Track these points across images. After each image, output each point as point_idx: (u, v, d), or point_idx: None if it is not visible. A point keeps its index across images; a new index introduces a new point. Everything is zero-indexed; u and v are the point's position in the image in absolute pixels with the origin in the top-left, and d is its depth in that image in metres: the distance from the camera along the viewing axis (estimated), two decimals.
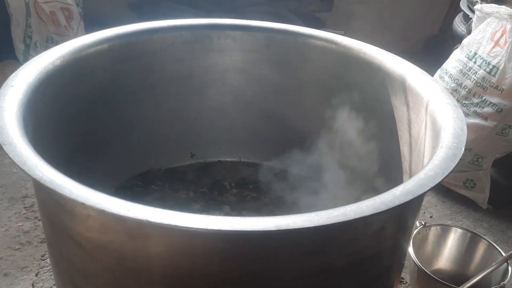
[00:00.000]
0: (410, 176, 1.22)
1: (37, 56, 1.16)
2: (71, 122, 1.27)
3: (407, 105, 1.25)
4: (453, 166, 0.91)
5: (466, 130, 1.02)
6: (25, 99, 1.02)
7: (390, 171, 1.31)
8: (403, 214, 0.95)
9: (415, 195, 0.83)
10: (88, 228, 0.86)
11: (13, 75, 1.07)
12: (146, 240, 0.82)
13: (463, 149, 0.96)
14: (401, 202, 0.81)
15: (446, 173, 0.89)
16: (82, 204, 0.75)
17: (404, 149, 1.27)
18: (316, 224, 0.76)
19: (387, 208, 0.80)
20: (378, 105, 1.35)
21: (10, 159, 1.87)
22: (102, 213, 0.75)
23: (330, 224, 0.77)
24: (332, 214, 0.78)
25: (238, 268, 0.85)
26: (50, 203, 0.92)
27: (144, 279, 0.87)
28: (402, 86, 1.27)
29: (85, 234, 0.87)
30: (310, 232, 0.77)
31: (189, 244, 0.82)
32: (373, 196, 0.84)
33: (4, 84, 1.03)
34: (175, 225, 0.74)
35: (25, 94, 1.03)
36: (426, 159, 1.11)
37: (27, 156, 0.84)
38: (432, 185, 0.86)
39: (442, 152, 0.95)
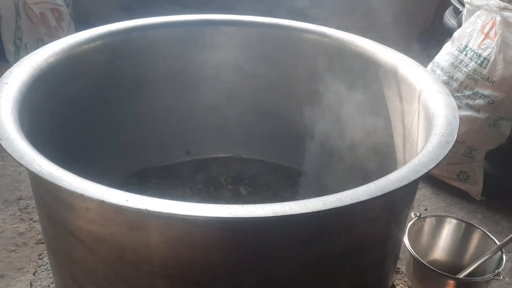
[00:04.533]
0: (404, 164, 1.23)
1: (31, 54, 1.16)
2: (65, 119, 1.27)
3: (400, 96, 1.26)
4: (446, 152, 0.92)
5: (458, 118, 1.03)
6: (20, 96, 1.03)
7: (384, 161, 1.32)
8: (399, 200, 0.96)
9: (410, 181, 0.84)
10: (87, 222, 0.86)
11: (7, 72, 1.08)
12: (146, 231, 0.83)
13: (455, 135, 0.98)
14: (396, 187, 0.83)
15: (440, 159, 0.90)
16: (82, 195, 0.75)
17: (398, 139, 1.28)
18: (313, 210, 0.77)
19: (382, 193, 0.81)
20: (371, 96, 1.36)
21: (3, 159, 1.84)
22: (101, 204, 0.75)
23: (326, 209, 0.78)
24: (328, 200, 0.79)
25: (237, 256, 0.85)
26: (49, 198, 0.92)
27: (144, 270, 0.87)
28: (395, 77, 1.28)
29: (85, 227, 0.87)
30: (307, 218, 0.78)
31: (188, 234, 0.82)
32: None
33: None
34: (174, 214, 0.74)
35: (19, 91, 1.04)
36: (419, 148, 1.12)
37: (24, 151, 0.84)
38: (426, 170, 0.87)
39: (435, 139, 0.96)
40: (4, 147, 0.85)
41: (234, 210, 0.75)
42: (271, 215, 0.74)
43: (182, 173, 1.64)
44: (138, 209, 0.75)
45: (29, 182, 1.87)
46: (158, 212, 0.75)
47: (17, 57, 2.31)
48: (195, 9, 2.51)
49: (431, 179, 2.00)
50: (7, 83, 1.04)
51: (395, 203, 0.96)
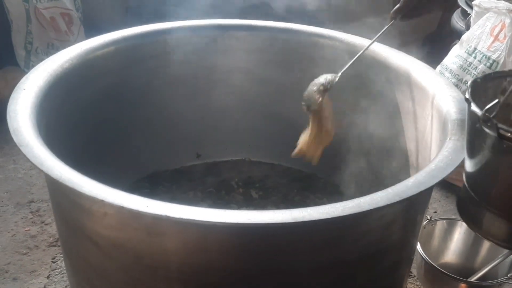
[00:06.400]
0: (417, 169, 1.23)
1: (47, 59, 1.18)
2: (79, 123, 1.28)
3: (413, 100, 1.27)
4: (463, 157, 0.93)
5: None
6: (37, 101, 1.04)
7: (396, 164, 1.32)
8: (415, 205, 0.97)
9: (427, 186, 0.85)
10: (105, 227, 0.87)
11: (23, 78, 1.09)
12: (163, 237, 0.83)
13: None
14: (414, 193, 0.83)
15: (456, 164, 0.91)
16: (102, 201, 0.76)
17: (411, 143, 1.29)
18: (332, 216, 0.77)
19: (400, 199, 0.81)
20: (383, 100, 1.36)
21: (14, 162, 1.85)
22: (121, 209, 0.76)
23: (345, 215, 0.78)
24: (347, 205, 0.79)
25: (254, 262, 0.86)
26: (67, 203, 0.93)
27: (161, 276, 0.88)
28: (407, 81, 1.28)
29: (103, 232, 0.88)
30: (325, 224, 0.78)
31: (206, 239, 0.83)
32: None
33: (16, 88, 1.05)
34: (194, 219, 0.75)
35: (36, 97, 1.05)
36: (433, 152, 1.13)
37: (44, 157, 0.85)
38: (442, 176, 0.88)
39: (450, 144, 0.97)
40: (25, 153, 0.86)
41: (253, 216, 0.75)
42: (291, 221, 0.75)
43: (193, 176, 1.65)
44: (158, 215, 0.76)
45: (41, 185, 1.89)
46: (178, 218, 0.75)
47: (28, 62, 2.32)
48: (204, 13, 2.52)
49: (440, 181, 2.00)
50: (24, 89, 1.05)
51: (411, 208, 0.96)
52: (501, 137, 0.78)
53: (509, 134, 0.78)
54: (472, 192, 0.90)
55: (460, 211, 0.99)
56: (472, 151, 0.88)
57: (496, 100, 0.82)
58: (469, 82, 0.92)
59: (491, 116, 0.80)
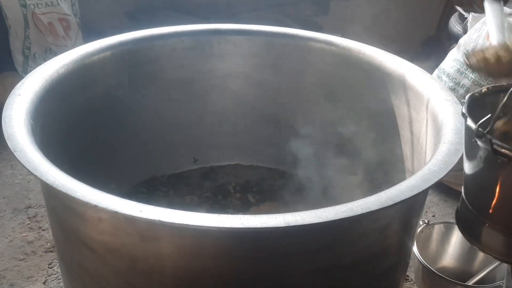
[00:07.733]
0: (413, 173, 1.23)
1: (42, 65, 1.18)
2: (75, 129, 1.28)
3: (408, 104, 1.27)
4: (456, 160, 0.93)
5: None
6: (32, 107, 1.04)
7: (393, 169, 1.32)
8: (409, 209, 0.97)
9: (420, 190, 0.85)
10: (99, 232, 0.87)
11: (19, 84, 1.09)
12: (157, 241, 0.83)
13: None
14: (407, 197, 0.83)
15: (449, 168, 0.91)
16: (95, 206, 0.76)
17: (406, 147, 1.29)
18: (325, 220, 0.77)
19: (393, 202, 0.81)
20: (378, 105, 1.36)
21: (12, 167, 1.85)
22: (114, 214, 0.76)
23: (338, 219, 0.78)
24: (340, 209, 0.79)
25: (248, 266, 0.86)
26: (61, 208, 0.93)
27: (156, 280, 0.88)
28: (402, 85, 1.29)
29: (97, 237, 0.88)
30: (318, 228, 0.78)
31: (200, 244, 0.83)
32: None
33: (11, 93, 1.05)
34: (187, 224, 0.75)
35: (31, 102, 1.05)
36: (428, 156, 1.13)
37: (38, 162, 0.85)
38: (436, 179, 0.88)
39: (444, 147, 0.97)
40: (18, 158, 0.86)
41: (246, 221, 0.75)
42: (284, 226, 0.75)
43: (191, 181, 1.65)
44: (151, 219, 0.76)
45: (38, 190, 1.89)
46: (171, 222, 0.75)
47: (26, 67, 2.32)
48: (201, 18, 2.53)
49: (439, 185, 1.98)
50: (19, 94, 1.05)
51: (405, 212, 0.96)
52: (495, 152, 0.78)
53: (503, 149, 0.78)
54: (470, 206, 0.91)
55: (458, 224, 0.99)
56: (469, 165, 0.88)
57: (489, 115, 0.82)
58: (467, 97, 0.91)
59: (485, 131, 0.79)
